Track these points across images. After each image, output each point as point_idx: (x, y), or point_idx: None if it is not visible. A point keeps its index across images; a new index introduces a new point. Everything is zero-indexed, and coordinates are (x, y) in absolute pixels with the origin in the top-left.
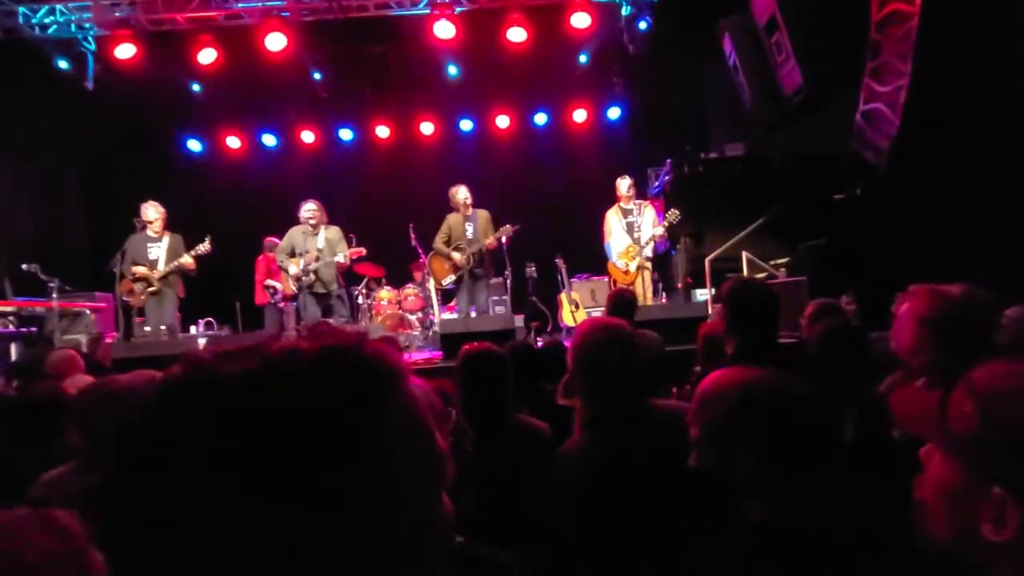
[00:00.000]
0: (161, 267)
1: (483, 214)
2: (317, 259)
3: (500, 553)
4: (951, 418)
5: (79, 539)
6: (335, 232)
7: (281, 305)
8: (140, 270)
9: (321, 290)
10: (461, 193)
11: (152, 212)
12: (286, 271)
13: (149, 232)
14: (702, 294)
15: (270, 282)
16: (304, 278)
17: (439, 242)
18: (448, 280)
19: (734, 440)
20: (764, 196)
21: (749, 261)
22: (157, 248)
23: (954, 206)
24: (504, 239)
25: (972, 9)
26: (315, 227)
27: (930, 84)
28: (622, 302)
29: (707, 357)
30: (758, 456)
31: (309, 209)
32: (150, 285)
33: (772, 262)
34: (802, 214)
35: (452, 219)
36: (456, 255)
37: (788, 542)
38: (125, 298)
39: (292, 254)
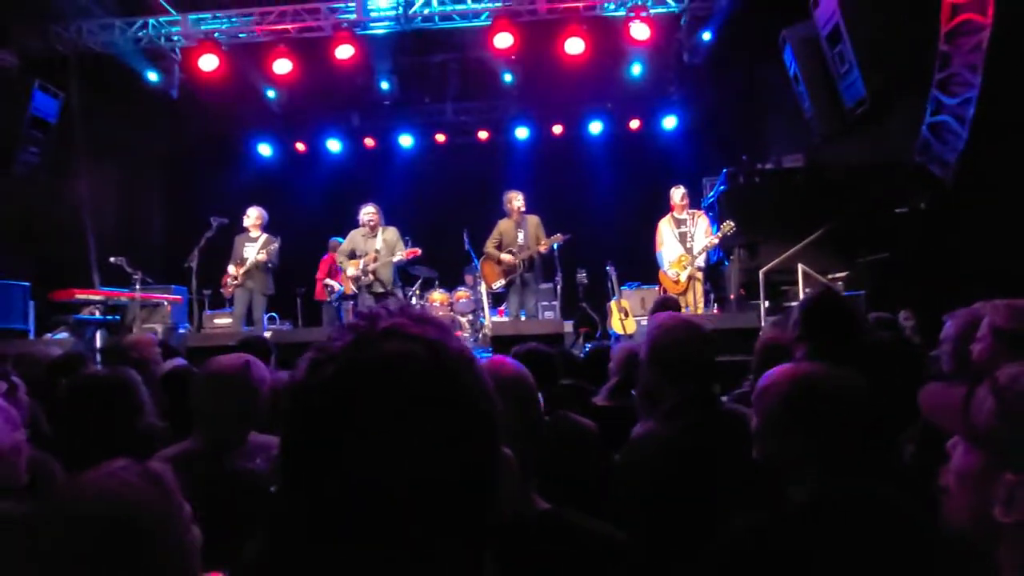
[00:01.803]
0: (249, 264)
1: (533, 220)
2: (375, 259)
3: (615, 531)
4: (974, 411)
5: (172, 486)
6: (392, 233)
7: (336, 304)
8: (231, 270)
9: (380, 289)
10: (517, 200)
11: (251, 212)
12: (345, 272)
13: (250, 232)
14: (755, 306)
15: (329, 281)
16: (363, 278)
17: (491, 246)
18: (498, 284)
19: (788, 427)
20: (823, 208)
21: (805, 274)
22: (251, 247)
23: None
24: (555, 246)
25: None
26: (373, 229)
27: (1001, 97)
28: (665, 310)
29: (764, 368)
30: (809, 442)
31: (367, 212)
32: (235, 279)
33: (829, 276)
34: (862, 227)
35: (504, 224)
36: (506, 256)
37: (827, 523)
38: (221, 289)
39: (352, 256)
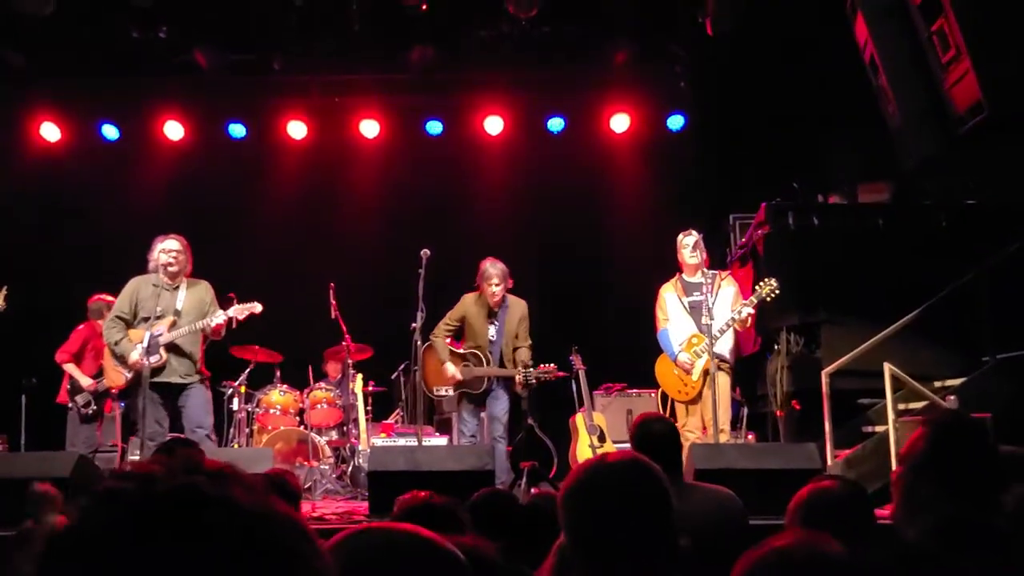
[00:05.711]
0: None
1: (517, 308)
2: (173, 326)
3: None
4: None
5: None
6: (205, 290)
7: (86, 411)
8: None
9: (176, 379)
10: (496, 276)
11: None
12: (114, 352)
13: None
14: (816, 430)
15: (72, 370)
16: (146, 360)
17: (441, 333)
18: (443, 391)
19: None
20: (923, 271)
21: (895, 378)
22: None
23: None
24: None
25: None
26: (174, 278)
27: None
28: (649, 435)
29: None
30: None
31: (170, 251)
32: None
33: (937, 384)
34: (989, 305)
35: (470, 304)
36: (450, 368)
37: None
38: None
39: (133, 320)
